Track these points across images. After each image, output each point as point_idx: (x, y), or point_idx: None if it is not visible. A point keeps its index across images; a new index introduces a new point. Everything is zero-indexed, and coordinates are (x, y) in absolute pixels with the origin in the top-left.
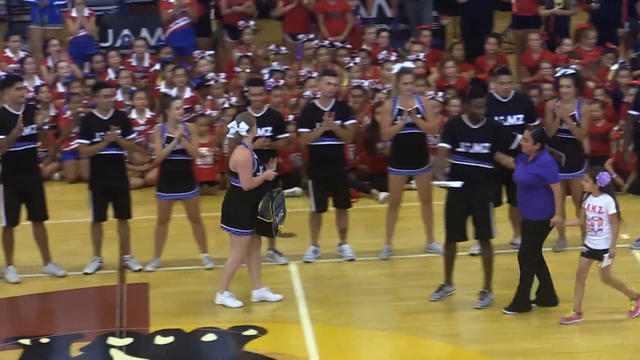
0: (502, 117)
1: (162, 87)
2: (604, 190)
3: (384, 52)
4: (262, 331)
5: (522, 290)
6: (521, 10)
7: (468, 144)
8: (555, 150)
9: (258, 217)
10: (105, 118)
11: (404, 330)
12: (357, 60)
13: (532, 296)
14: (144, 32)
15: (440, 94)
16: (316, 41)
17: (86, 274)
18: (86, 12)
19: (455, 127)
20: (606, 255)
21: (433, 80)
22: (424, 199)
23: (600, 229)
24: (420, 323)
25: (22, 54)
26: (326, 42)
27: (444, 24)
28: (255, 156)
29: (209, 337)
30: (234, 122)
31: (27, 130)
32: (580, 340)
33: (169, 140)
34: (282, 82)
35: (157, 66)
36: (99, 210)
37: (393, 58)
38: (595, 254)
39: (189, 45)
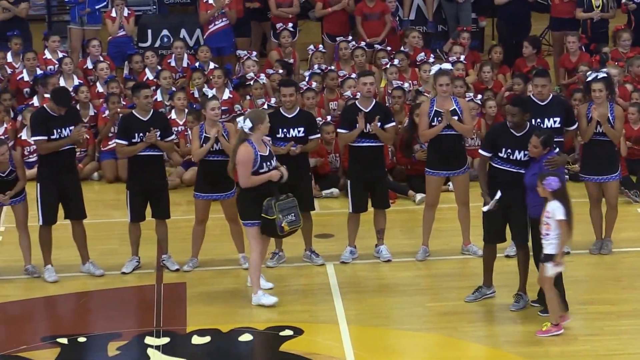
0: (539, 120)
1: (195, 92)
2: (555, 195)
3: (422, 54)
4: (298, 331)
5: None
6: (559, 13)
7: (509, 151)
8: (564, 155)
9: (262, 214)
10: (144, 119)
11: (439, 331)
12: (395, 61)
13: (535, 297)
14: (183, 32)
15: (479, 96)
16: (353, 42)
17: (124, 273)
18: (126, 12)
19: (498, 134)
20: (549, 263)
21: (470, 82)
22: (461, 201)
23: (548, 234)
24: (456, 324)
25: (60, 54)
26: (363, 44)
27: (482, 25)
28: (260, 154)
29: (246, 337)
30: (241, 118)
31: (67, 132)
32: (616, 343)
33: (207, 140)
34: (314, 84)
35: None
36: (136, 210)
37: (431, 60)
38: (547, 259)
39: (227, 46)
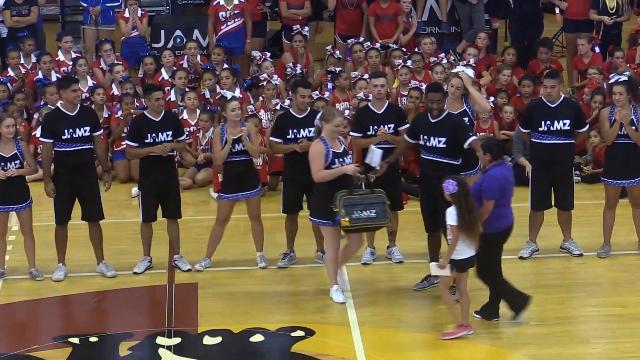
0: (548, 122)
1: (207, 93)
2: (452, 199)
3: (441, 55)
4: (310, 332)
5: (505, 298)
6: (573, 14)
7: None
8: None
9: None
10: (157, 119)
11: None
12: (409, 62)
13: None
14: (196, 33)
15: (491, 98)
16: (368, 43)
17: (135, 273)
18: (139, 12)
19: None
20: (433, 263)
21: (484, 83)
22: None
23: (449, 238)
24: None
25: (74, 55)
26: (378, 45)
27: (495, 27)
28: (332, 150)
29: (257, 337)
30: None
31: (80, 132)
32: (629, 346)
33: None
34: (327, 94)
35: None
36: (148, 210)
37: (445, 62)
38: (452, 263)
39: (240, 46)
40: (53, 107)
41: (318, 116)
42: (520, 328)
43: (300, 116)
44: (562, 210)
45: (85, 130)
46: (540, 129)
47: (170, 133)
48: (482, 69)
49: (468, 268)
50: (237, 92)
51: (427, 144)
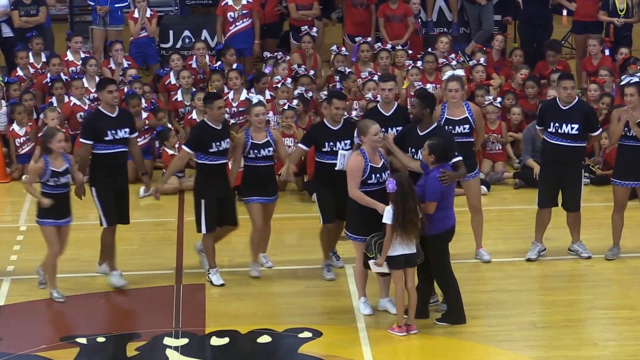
0: (557, 125)
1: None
2: (390, 198)
3: (451, 55)
4: (317, 334)
5: (448, 302)
6: (582, 16)
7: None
8: (449, 171)
9: (364, 251)
10: (112, 115)
11: (459, 336)
12: (419, 63)
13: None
14: (205, 33)
15: (499, 99)
16: (379, 44)
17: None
18: (148, 13)
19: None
20: (371, 261)
21: (497, 85)
22: (473, 207)
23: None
24: (475, 328)
25: (83, 55)
26: (389, 46)
27: (508, 22)
28: (371, 164)
29: (264, 338)
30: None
31: (121, 133)
32: (637, 349)
33: (254, 146)
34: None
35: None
36: (212, 219)
37: (454, 63)
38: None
39: (248, 47)
40: (57, 106)
41: (355, 133)
42: (527, 330)
43: (335, 128)
44: (568, 211)
45: (125, 132)
46: (549, 130)
47: (227, 139)
48: (492, 72)
49: (403, 266)
50: (244, 94)
51: (415, 157)
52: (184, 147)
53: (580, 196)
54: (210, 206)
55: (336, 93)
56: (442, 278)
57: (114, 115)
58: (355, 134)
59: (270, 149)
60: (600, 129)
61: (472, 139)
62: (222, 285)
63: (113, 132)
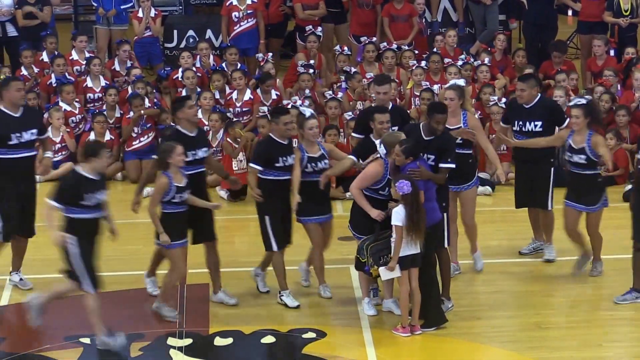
0: (521, 123)
1: (216, 94)
2: (403, 199)
3: (462, 56)
4: (321, 334)
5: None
6: (587, 16)
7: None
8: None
9: (356, 254)
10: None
11: (463, 336)
12: (423, 63)
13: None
14: (209, 33)
15: (503, 100)
16: (384, 44)
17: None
18: (152, 12)
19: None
20: (382, 268)
21: (501, 86)
22: (464, 223)
23: (392, 237)
24: (480, 329)
25: (87, 55)
26: (395, 46)
27: (512, 27)
28: (388, 177)
29: (268, 339)
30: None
31: (200, 154)
32: None
33: (310, 160)
34: (340, 95)
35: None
36: (281, 235)
37: (460, 63)
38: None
39: (253, 47)
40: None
41: (382, 147)
42: (532, 331)
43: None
44: (537, 207)
45: (203, 152)
46: (514, 129)
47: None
48: (496, 72)
49: (410, 266)
50: (248, 93)
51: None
52: (251, 164)
53: (549, 194)
54: (276, 223)
55: (378, 108)
56: (427, 272)
57: (193, 135)
58: (383, 145)
59: (326, 161)
60: (568, 120)
61: (467, 151)
62: (298, 306)
63: (192, 152)
